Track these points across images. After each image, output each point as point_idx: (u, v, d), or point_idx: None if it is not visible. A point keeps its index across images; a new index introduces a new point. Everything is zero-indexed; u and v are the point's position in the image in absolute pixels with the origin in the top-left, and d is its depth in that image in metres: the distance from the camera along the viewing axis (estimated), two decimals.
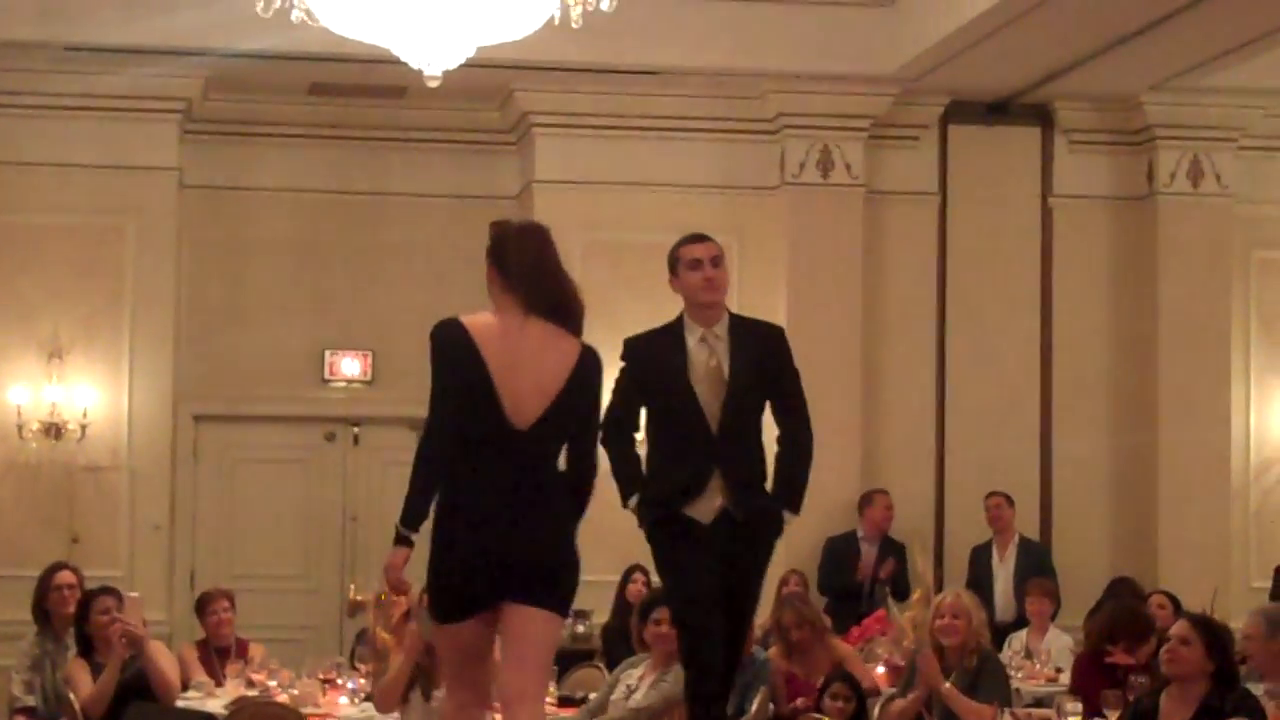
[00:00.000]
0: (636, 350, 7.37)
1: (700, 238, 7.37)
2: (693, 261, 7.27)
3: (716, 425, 7.17)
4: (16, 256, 13.80)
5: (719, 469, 7.17)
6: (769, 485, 7.38)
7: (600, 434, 6.71)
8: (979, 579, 13.63)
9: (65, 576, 10.62)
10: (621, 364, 7.35)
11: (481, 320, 6.24)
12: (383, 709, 8.84)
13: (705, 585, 7.12)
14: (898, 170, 14.81)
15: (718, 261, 7.27)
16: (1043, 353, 14.98)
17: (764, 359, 7.30)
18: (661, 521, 7.24)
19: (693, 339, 7.26)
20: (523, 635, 6.10)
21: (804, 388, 7.44)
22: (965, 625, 9.03)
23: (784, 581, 12.65)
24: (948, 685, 8.82)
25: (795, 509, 7.35)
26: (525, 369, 6.13)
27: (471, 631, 6.15)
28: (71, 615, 10.34)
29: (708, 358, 7.22)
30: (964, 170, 14.98)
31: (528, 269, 6.28)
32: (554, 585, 6.12)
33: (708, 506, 7.18)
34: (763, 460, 7.32)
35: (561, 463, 6.27)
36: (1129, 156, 15.08)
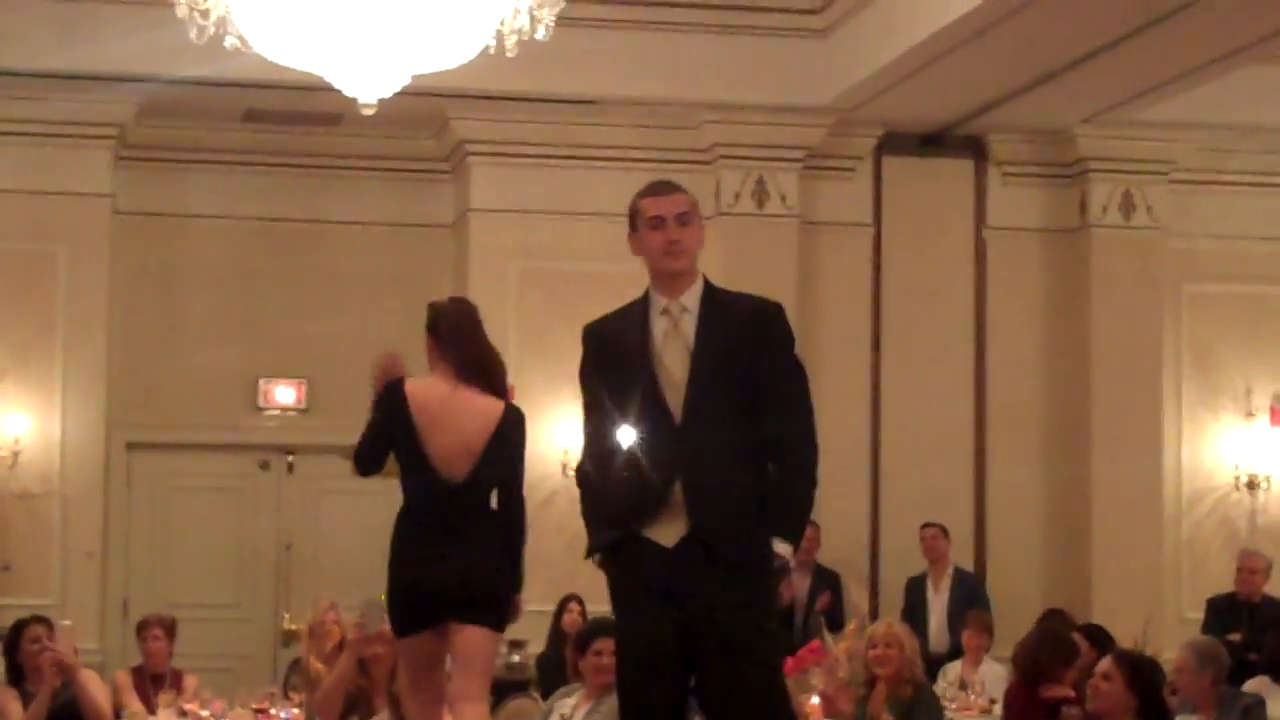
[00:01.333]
0: (596, 336, 5.97)
1: (665, 188, 5.92)
2: (654, 220, 5.84)
3: (680, 418, 5.70)
4: None
5: (682, 475, 5.66)
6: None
7: (577, 470, 6.02)
8: (914, 610, 13.65)
9: None
10: (581, 362, 6.01)
11: (422, 386, 7.23)
12: (321, 716, 8.89)
13: (649, 636, 5.66)
14: (832, 201, 14.86)
15: (686, 218, 5.85)
16: (976, 383, 15.04)
17: (743, 338, 5.78)
18: (616, 548, 5.76)
19: (656, 313, 5.83)
20: (463, 648, 7.18)
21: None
22: (898, 655, 9.05)
23: None
24: (883, 716, 8.83)
25: (789, 536, 5.74)
26: (453, 430, 7.15)
27: (424, 643, 7.21)
28: None
29: (669, 333, 5.80)
30: (898, 201, 15.04)
31: (460, 340, 7.28)
32: (488, 607, 7.15)
33: (670, 527, 5.67)
34: (750, 471, 5.72)
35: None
36: (1062, 189, 15.17)
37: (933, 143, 15.07)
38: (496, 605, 7.19)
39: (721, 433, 5.70)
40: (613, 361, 5.82)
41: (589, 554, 5.85)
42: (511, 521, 7.19)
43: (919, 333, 14.89)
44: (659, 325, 5.80)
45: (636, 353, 5.76)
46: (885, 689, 9.00)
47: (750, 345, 5.77)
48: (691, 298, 5.84)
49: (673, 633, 5.61)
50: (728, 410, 5.71)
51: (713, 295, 5.87)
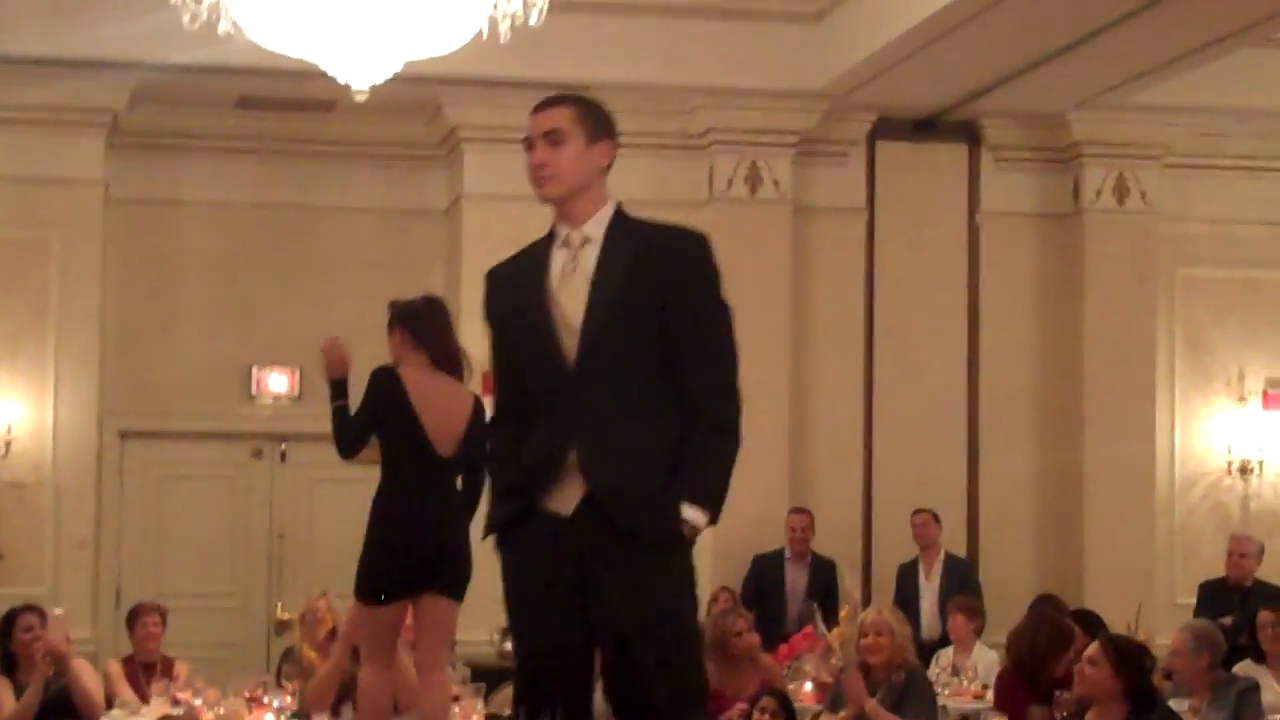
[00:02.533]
0: (495, 278, 5.25)
1: (542, 104, 5.10)
2: (524, 142, 5.10)
3: (574, 362, 4.93)
4: None
5: (577, 430, 4.90)
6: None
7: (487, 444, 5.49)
8: (906, 596, 13.65)
9: None
10: (483, 310, 5.28)
11: (411, 372, 7.96)
12: (312, 709, 8.89)
13: (548, 643, 4.96)
14: (826, 186, 14.84)
15: (557, 138, 5.01)
16: (969, 368, 15.03)
17: (654, 272, 4.96)
18: (511, 524, 5.03)
19: (556, 246, 5.07)
20: (433, 618, 7.89)
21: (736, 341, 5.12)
22: (890, 642, 9.06)
23: (713, 599, 12.63)
24: (872, 703, 8.84)
25: (704, 504, 4.88)
26: (442, 412, 7.90)
27: (395, 612, 7.89)
28: None
29: (567, 267, 5.04)
30: (891, 186, 15.02)
31: (437, 335, 8.06)
32: (460, 579, 7.85)
33: (566, 492, 4.92)
34: (660, 428, 4.93)
35: None
36: (1055, 173, 15.16)
37: (926, 128, 15.05)
38: (464, 579, 7.88)
39: (624, 381, 4.91)
40: (514, 306, 5.07)
41: (484, 535, 5.15)
42: (476, 501, 7.72)
43: (912, 318, 14.88)
44: (557, 259, 5.03)
45: (533, 292, 5.01)
46: (867, 677, 9.01)
47: (662, 281, 4.95)
48: (596, 226, 5.04)
49: (578, 638, 4.94)
50: (633, 355, 4.92)
51: (623, 223, 5.06)
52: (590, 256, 5.00)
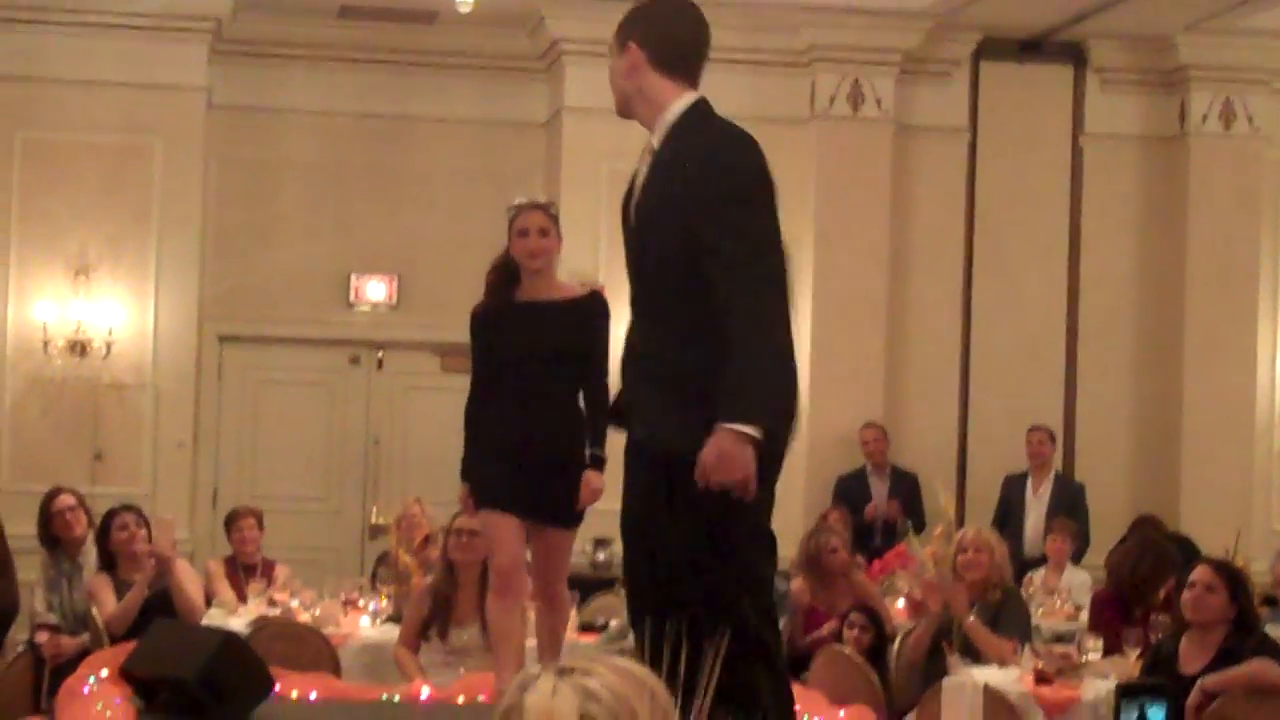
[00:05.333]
0: None
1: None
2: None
3: (630, 282, 5.15)
4: (44, 174, 13.78)
5: (627, 351, 5.16)
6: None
7: None
8: (1009, 510, 13.63)
9: (64, 500, 10.59)
10: None
11: None
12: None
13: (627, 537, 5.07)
14: (928, 105, 14.75)
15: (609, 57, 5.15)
16: (1069, 292, 14.94)
17: (678, 185, 4.84)
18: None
19: (643, 155, 5.14)
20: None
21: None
22: (988, 559, 9.04)
23: (823, 517, 12.60)
24: (971, 618, 8.82)
25: (747, 418, 4.61)
26: None
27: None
28: (78, 536, 10.38)
29: (637, 179, 5.09)
30: (995, 107, 14.91)
31: None
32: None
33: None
34: (686, 349, 4.84)
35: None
36: (1161, 96, 15.00)
37: (1031, 48, 14.91)
38: None
39: (656, 299, 4.88)
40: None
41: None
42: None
43: (1013, 240, 14.79)
44: (640, 171, 5.01)
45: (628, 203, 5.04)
46: (971, 593, 8.99)
47: (688, 194, 4.76)
48: (658, 134, 4.94)
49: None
50: (665, 273, 4.83)
51: (679, 130, 4.90)
52: (644, 171, 4.96)
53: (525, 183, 13.85)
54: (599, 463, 7.05)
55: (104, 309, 13.74)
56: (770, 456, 4.67)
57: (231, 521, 11.23)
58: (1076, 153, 15.02)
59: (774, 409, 4.67)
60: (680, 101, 4.90)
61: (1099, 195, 14.98)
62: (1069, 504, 13.64)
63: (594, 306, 7.20)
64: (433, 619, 8.68)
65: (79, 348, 13.66)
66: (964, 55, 14.77)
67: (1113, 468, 14.79)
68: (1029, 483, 13.95)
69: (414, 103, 14.74)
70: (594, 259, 13.42)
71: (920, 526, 13.28)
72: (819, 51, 14.32)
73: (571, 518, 7.24)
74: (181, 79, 13.87)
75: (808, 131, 14.35)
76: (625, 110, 5.02)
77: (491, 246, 7.60)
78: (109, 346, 13.72)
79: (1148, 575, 9.26)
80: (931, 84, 14.75)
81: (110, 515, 10.13)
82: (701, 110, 4.90)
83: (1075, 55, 14.96)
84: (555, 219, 7.26)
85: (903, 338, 14.51)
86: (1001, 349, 14.69)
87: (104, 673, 6.98)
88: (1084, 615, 10.10)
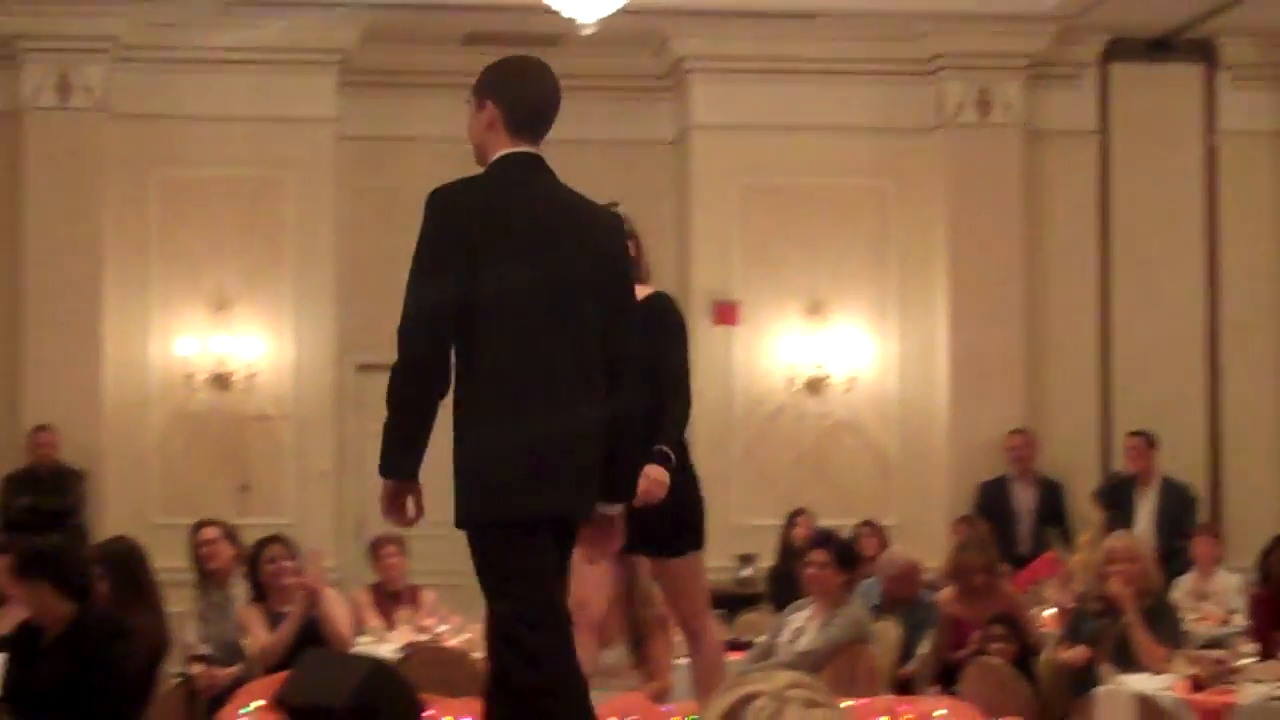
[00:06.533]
0: None
1: None
2: None
3: None
4: (179, 210, 13.96)
5: None
6: None
7: None
8: (1116, 514, 13.37)
9: (206, 533, 10.66)
10: None
11: None
12: None
13: None
14: (1057, 109, 14.66)
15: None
16: (1209, 293, 14.78)
17: None
18: None
19: None
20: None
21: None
22: (1140, 569, 8.94)
23: (954, 528, 12.49)
24: (1135, 617, 8.69)
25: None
26: None
27: None
28: (223, 568, 10.45)
29: None
30: (1126, 108, 14.79)
31: None
32: None
33: None
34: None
35: None
36: None
37: (1161, 47, 14.77)
38: None
39: None
40: None
41: None
42: None
43: (1149, 241, 14.65)
44: None
45: None
46: (1114, 604, 8.88)
47: None
48: None
49: None
50: None
51: None
52: None
53: (656, 201, 13.91)
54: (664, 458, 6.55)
55: (244, 342, 13.90)
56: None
57: (376, 549, 11.29)
58: (1210, 150, 14.87)
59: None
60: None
61: (1235, 192, 14.82)
62: (1178, 507, 13.36)
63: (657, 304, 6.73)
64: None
65: (221, 381, 13.83)
66: (1092, 57, 14.67)
67: (1257, 468, 14.60)
68: (1136, 487, 13.62)
69: None
70: (726, 272, 13.44)
71: (1066, 534, 13.20)
72: (945, 59, 14.26)
73: (680, 544, 6.80)
74: (311, 111, 14.02)
75: (936, 139, 14.29)
76: (480, 159, 5.52)
77: None
78: (250, 379, 13.87)
79: None
80: (1060, 87, 14.66)
81: (259, 546, 10.20)
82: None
83: (1205, 53, 14.81)
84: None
85: (1041, 341, 14.40)
86: (1141, 350, 14.55)
87: (258, 704, 7.04)
88: (1236, 619, 9.98)
